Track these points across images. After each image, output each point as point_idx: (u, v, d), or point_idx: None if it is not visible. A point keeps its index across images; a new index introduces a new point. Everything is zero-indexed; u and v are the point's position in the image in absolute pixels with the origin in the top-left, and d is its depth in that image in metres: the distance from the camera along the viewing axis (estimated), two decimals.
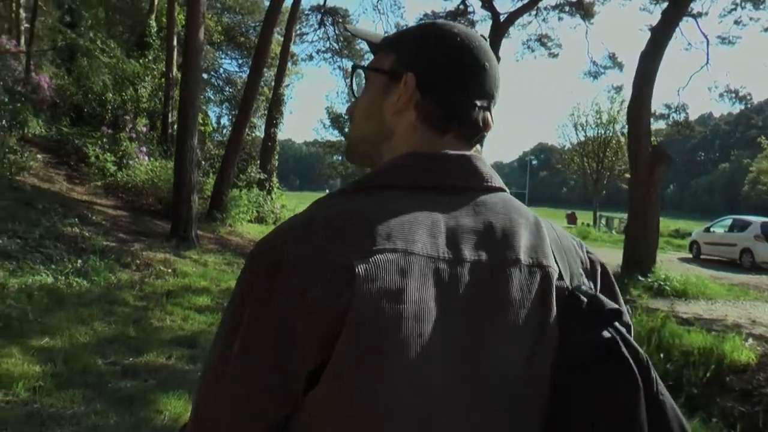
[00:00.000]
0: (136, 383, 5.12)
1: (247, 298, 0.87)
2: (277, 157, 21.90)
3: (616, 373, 0.89)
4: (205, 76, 26.28)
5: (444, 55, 1.02)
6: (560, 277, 0.97)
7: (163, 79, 18.91)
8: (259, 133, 24.07)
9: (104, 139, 16.37)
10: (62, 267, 7.80)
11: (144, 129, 17.94)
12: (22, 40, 18.95)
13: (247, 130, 18.31)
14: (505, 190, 1.02)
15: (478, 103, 1.02)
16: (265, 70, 19.03)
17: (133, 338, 6.25)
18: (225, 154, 16.61)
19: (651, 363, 0.92)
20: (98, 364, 5.41)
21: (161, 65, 19.24)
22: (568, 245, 1.05)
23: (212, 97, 27.85)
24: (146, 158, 16.91)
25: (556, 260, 0.99)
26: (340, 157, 36.04)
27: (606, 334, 0.92)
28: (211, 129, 22.11)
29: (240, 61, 27.72)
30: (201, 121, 21.02)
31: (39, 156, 14.00)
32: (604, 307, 0.94)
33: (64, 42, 17.34)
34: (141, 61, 18.76)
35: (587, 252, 1.08)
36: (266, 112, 22.48)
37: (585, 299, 0.95)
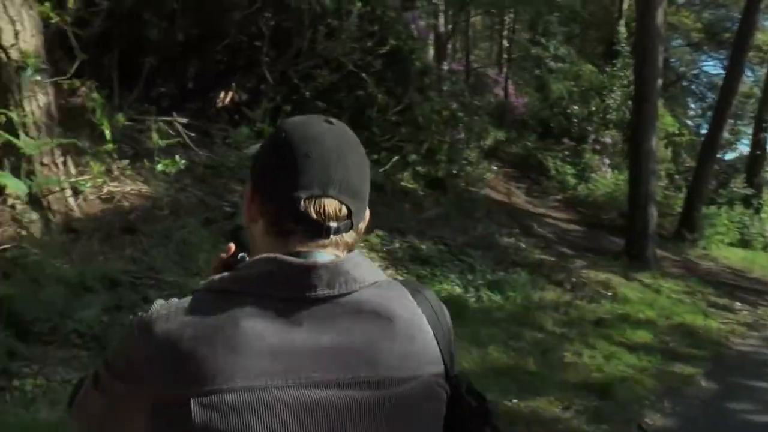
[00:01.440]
0: None
1: (104, 386, 0.97)
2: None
3: None
4: (684, 83, 23.69)
5: (268, 155, 1.03)
6: (445, 374, 1.00)
7: (631, 87, 17.31)
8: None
9: (566, 152, 15.67)
10: (478, 278, 6.89)
11: (609, 140, 16.63)
12: (504, 69, 19.73)
13: (729, 137, 15.48)
14: (375, 282, 0.98)
15: (303, 194, 0.97)
16: (755, 67, 15.92)
17: (530, 373, 4.89)
18: (697, 165, 14.28)
19: None
20: None
21: (628, 72, 17.66)
22: (445, 324, 1.05)
23: (692, 106, 24.91)
24: (608, 170, 15.60)
25: (441, 352, 1.00)
26: None
27: None
28: (687, 139, 19.47)
29: (724, 63, 24.10)
30: (677, 131, 18.71)
31: (494, 167, 13.82)
32: (490, 411, 1.05)
33: (520, 54, 17.27)
34: (608, 69, 17.51)
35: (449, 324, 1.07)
36: (753, 116, 18.89)
37: (472, 401, 1.03)
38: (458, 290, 6.53)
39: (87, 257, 4.80)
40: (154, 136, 5.92)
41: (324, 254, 0.97)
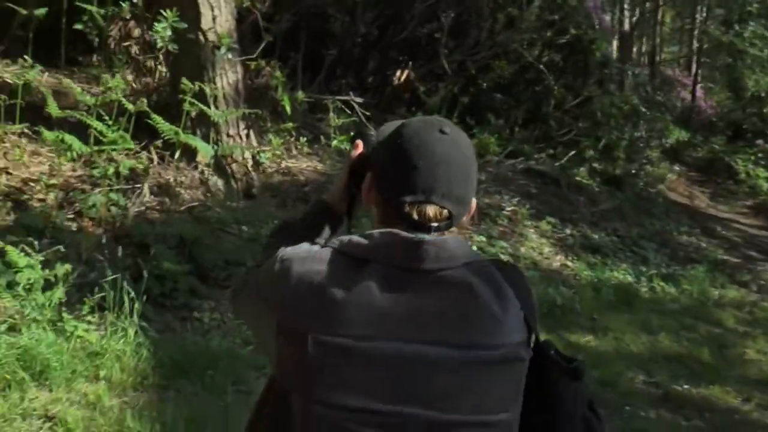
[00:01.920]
0: (671, 417, 3.62)
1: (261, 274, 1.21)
2: None
3: (593, 421, 1.19)
4: None
5: (386, 155, 1.18)
6: (528, 340, 1.14)
7: None
8: None
9: (759, 155, 14.52)
10: (651, 269, 6.67)
11: None
12: (693, 70, 18.69)
13: None
14: (470, 262, 1.11)
15: (407, 199, 1.12)
16: None
17: (703, 363, 4.67)
18: None
19: None
20: (635, 380, 4.11)
21: None
22: (531, 296, 1.18)
23: None
24: None
25: (527, 322, 1.13)
26: None
27: (587, 394, 1.19)
28: None
29: None
30: None
31: (677, 168, 13.15)
32: (579, 369, 1.17)
33: (711, 45, 16.17)
34: None
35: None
36: None
37: (561, 362, 1.17)
38: (629, 279, 6.35)
39: (263, 219, 5.21)
40: (331, 116, 6.30)
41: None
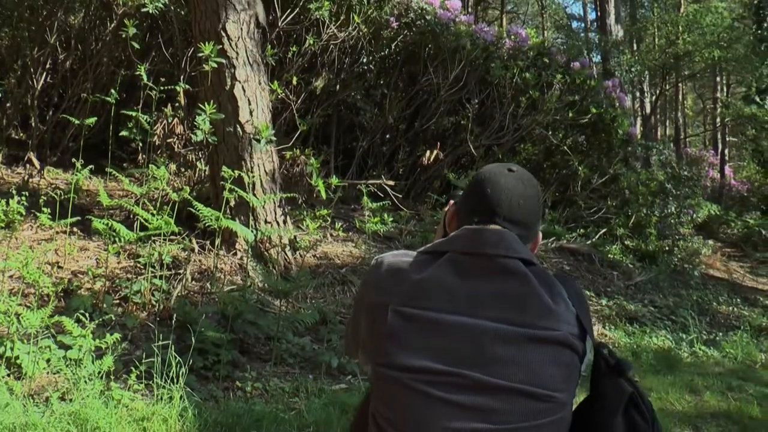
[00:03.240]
0: None
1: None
2: None
3: (636, 418, 1.32)
4: None
5: (465, 191, 1.51)
6: (580, 337, 1.31)
7: None
8: None
9: None
10: (691, 335, 6.58)
11: None
12: (719, 149, 18.85)
13: None
14: (529, 261, 1.35)
15: (475, 219, 1.41)
16: None
17: (754, 419, 4.56)
18: None
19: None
20: None
21: None
22: (583, 300, 1.37)
23: None
24: None
25: (578, 319, 1.32)
26: None
27: (629, 388, 1.34)
28: None
29: None
30: None
31: (710, 242, 13.02)
32: (627, 369, 1.35)
33: (732, 119, 16.32)
34: None
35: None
36: None
37: (612, 360, 1.37)
38: (669, 344, 6.28)
39: (301, 300, 5.34)
40: (365, 199, 6.50)
41: None
